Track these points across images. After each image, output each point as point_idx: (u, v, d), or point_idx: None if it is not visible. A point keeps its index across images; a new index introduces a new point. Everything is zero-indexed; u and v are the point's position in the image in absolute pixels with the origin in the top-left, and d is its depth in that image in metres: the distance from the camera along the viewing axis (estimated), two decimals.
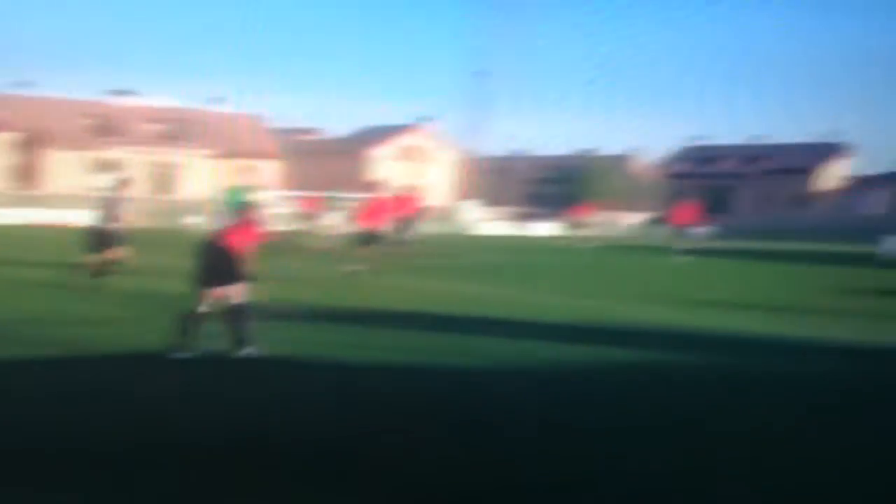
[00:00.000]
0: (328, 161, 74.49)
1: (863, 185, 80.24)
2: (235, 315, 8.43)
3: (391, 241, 25.44)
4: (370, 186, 20.16)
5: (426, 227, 28.84)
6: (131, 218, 15.04)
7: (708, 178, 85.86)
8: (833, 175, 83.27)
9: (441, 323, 11.90)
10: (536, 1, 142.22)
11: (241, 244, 8.53)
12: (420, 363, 9.05)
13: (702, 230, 30.44)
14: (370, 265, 18.42)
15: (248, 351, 8.45)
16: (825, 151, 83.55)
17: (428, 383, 8.20)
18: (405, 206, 25.75)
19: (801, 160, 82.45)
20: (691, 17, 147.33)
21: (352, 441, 6.02)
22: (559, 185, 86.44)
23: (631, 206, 75.83)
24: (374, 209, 19.38)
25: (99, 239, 14.46)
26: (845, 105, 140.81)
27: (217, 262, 8.44)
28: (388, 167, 75.88)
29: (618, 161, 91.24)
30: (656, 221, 68.56)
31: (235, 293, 8.45)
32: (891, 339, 11.42)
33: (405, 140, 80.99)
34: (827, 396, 8.00)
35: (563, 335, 11.10)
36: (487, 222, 60.61)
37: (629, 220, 71.08)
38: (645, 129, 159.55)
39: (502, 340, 10.39)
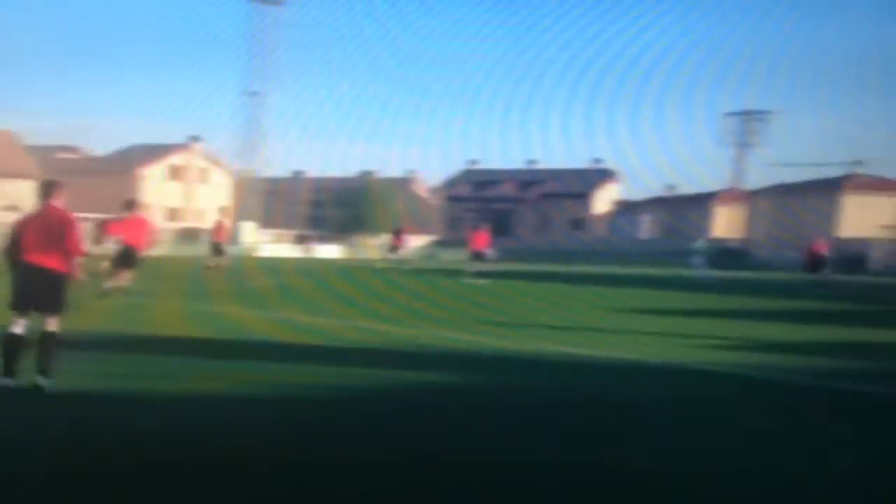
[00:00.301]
0: (92, 180, 68.83)
1: (632, 209, 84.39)
2: (44, 343, 7.71)
3: (205, 263, 24.97)
4: (130, 205, 18.01)
5: (205, 250, 27.13)
6: None
7: (487, 201, 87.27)
8: (605, 200, 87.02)
9: (218, 348, 10.90)
10: (312, 19, 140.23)
11: (63, 266, 7.73)
12: (190, 391, 8.06)
13: (490, 253, 30.38)
14: (132, 287, 17.14)
15: (45, 382, 7.59)
16: (597, 177, 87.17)
17: (197, 413, 7.26)
18: (217, 229, 25.43)
19: (575, 185, 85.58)
20: (456, 41, 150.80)
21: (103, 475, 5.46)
22: (340, 207, 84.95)
23: (413, 229, 75.41)
24: (134, 229, 17.48)
25: None
26: (613, 131, 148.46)
27: (35, 284, 7.72)
28: (157, 187, 71.62)
29: (399, 183, 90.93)
30: (440, 244, 68.62)
31: (51, 322, 7.77)
32: (662, 356, 11.28)
33: (175, 159, 76.67)
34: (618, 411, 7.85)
35: (350, 358, 10.51)
36: (267, 245, 57.90)
37: (413, 243, 70.45)
38: (425, 152, 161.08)
39: (287, 365, 9.70)
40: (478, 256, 29.55)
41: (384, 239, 45.28)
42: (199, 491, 5.17)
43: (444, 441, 6.48)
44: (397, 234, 39.05)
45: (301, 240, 66.33)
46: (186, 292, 19.66)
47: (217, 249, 25.11)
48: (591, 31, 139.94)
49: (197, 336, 11.97)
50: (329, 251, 62.05)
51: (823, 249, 29.10)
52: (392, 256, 38.81)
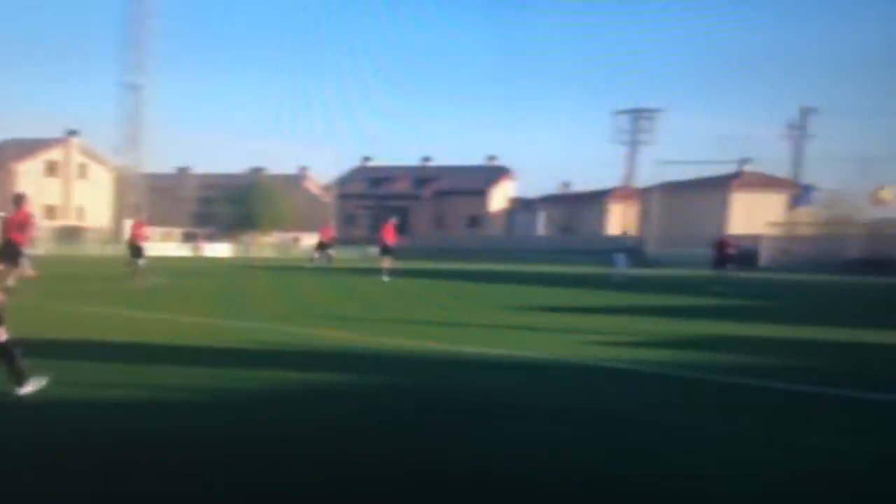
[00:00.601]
0: None
1: (528, 206, 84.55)
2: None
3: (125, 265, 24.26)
4: (19, 200, 16.64)
5: (86, 249, 25.65)
6: None
7: (381, 198, 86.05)
8: (501, 197, 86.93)
9: (102, 351, 10.08)
10: (194, 10, 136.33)
11: None
12: (70, 397, 7.28)
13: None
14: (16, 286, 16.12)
15: (26, 389, 7.06)
16: (493, 174, 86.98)
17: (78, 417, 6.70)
18: (137, 229, 24.52)
19: (470, 182, 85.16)
20: (348, 33, 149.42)
21: None
22: (229, 204, 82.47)
23: (307, 226, 73.75)
24: (18, 223, 16.56)
25: None
26: (507, 128, 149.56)
27: None
28: (33, 183, 67.72)
29: (290, 180, 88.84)
30: (336, 242, 67.17)
31: None
32: (568, 354, 10.85)
33: (51, 154, 72.80)
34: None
35: (252, 360, 9.82)
36: (153, 243, 55.25)
37: (307, 241, 68.82)
38: (316, 148, 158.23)
39: (171, 368, 9.11)
40: (386, 251, 28.81)
41: (282, 237, 44.02)
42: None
43: (343, 445, 6.03)
44: (324, 232, 38.31)
45: (189, 238, 63.78)
46: (71, 292, 18.26)
47: (136, 252, 23.86)
48: (484, 29, 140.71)
49: (90, 339, 10.97)
50: (219, 250, 59.81)
51: (731, 246, 29.07)
52: (320, 254, 38.03)
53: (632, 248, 36.12)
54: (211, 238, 65.11)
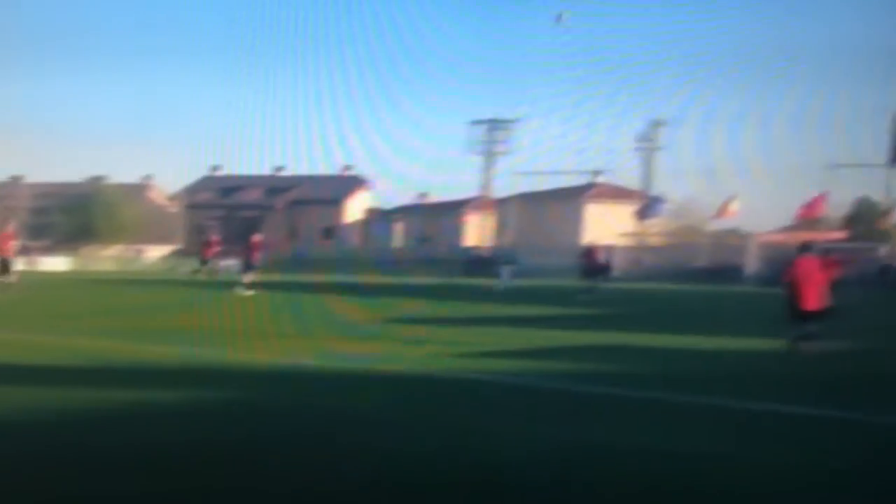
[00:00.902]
0: None
1: (385, 217, 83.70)
2: None
3: None
4: None
5: None
6: None
7: (232, 209, 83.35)
8: (357, 207, 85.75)
9: None
10: (30, 7, 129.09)
11: None
12: None
13: (232, 263, 29.57)
14: None
15: None
16: (348, 184, 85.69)
17: None
18: (4, 242, 24.58)
19: (325, 192, 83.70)
20: (192, 33, 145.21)
21: None
22: (66, 215, 78.05)
23: (151, 239, 70.45)
24: None
25: None
26: (362, 137, 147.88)
27: None
28: None
29: (133, 190, 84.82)
30: (180, 254, 64.53)
31: None
32: (421, 365, 11.02)
33: None
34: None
35: (70, 378, 9.62)
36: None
37: (152, 253, 65.65)
38: (159, 156, 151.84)
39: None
40: (248, 267, 28.73)
41: (124, 249, 41.97)
42: None
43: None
44: (206, 244, 36.38)
45: (22, 251, 59.52)
46: None
47: (4, 265, 23.64)
48: (338, 32, 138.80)
49: None
50: (55, 263, 56.00)
51: (601, 257, 29.16)
52: (202, 268, 36.34)
53: (493, 260, 36.11)
54: (46, 251, 61.03)
